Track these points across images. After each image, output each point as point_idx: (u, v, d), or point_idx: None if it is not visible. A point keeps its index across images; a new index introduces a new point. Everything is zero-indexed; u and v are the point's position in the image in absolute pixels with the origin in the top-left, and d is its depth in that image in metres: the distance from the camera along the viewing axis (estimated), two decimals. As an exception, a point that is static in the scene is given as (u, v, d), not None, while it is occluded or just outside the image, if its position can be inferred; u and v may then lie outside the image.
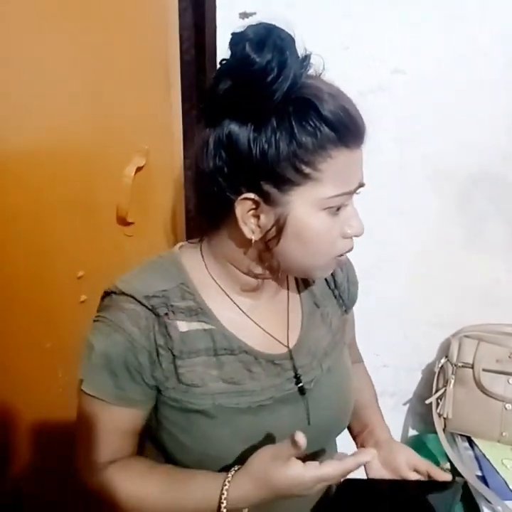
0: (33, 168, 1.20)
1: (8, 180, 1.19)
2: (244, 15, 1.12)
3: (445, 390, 1.31)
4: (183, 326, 0.76)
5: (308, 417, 0.82)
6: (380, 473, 0.86)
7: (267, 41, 0.65)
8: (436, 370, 1.33)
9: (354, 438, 0.98)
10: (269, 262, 0.77)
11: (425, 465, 0.85)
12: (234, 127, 0.69)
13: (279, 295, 0.86)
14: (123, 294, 0.75)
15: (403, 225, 1.31)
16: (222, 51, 0.75)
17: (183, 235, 1.25)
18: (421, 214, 1.30)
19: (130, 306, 0.74)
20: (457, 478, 0.80)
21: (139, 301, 0.74)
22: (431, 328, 1.38)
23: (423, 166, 1.26)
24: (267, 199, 0.70)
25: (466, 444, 1.30)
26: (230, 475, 0.72)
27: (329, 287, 0.92)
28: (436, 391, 1.33)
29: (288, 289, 0.87)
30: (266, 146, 0.67)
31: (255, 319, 0.81)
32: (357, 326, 1.34)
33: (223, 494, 0.70)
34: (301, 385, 0.81)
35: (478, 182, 1.28)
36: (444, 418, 1.31)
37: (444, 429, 1.31)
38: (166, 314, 0.75)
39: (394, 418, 1.45)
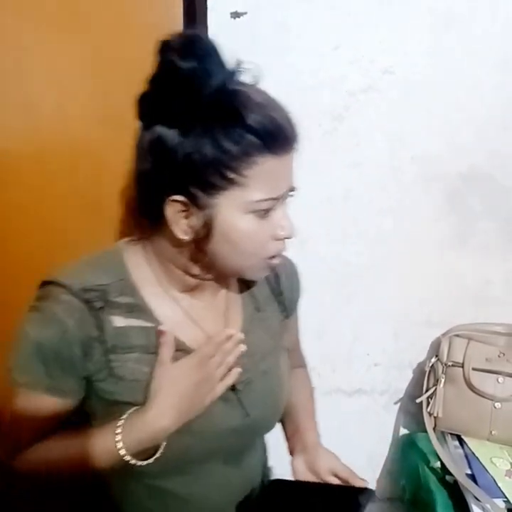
0: (37, 165, 1.21)
1: (12, 176, 1.21)
2: (235, 14, 1.12)
3: (435, 389, 1.30)
4: (119, 321, 0.77)
5: (246, 411, 0.83)
6: (306, 475, 0.90)
7: (191, 49, 0.67)
8: (427, 369, 1.33)
9: (287, 440, 1.00)
10: (203, 261, 0.78)
11: (345, 471, 0.89)
12: (162, 131, 0.71)
13: (220, 296, 0.87)
14: (60, 285, 0.75)
15: (394, 225, 1.31)
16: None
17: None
18: (411, 213, 1.30)
19: (66, 298, 0.74)
20: (369, 487, 0.86)
21: (74, 294, 0.74)
22: (422, 327, 1.38)
23: (413, 165, 1.27)
24: (194, 202, 0.72)
25: (456, 443, 1.30)
26: (121, 420, 0.74)
27: (273, 293, 0.94)
28: (427, 390, 1.32)
29: (230, 291, 0.89)
30: (191, 152, 0.69)
31: (194, 318, 0.82)
32: (348, 325, 1.34)
33: (118, 441, 0.73)
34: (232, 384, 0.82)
35: (469, 182, 1.28)
36: (435, 417, 1.31)
37: (434, 428, 1.31)
38: (102, 308, 0.75)
39: (385, 417, 1.45)
